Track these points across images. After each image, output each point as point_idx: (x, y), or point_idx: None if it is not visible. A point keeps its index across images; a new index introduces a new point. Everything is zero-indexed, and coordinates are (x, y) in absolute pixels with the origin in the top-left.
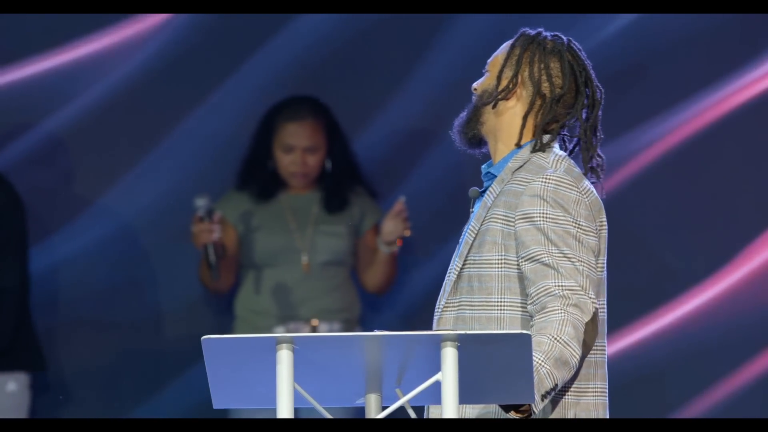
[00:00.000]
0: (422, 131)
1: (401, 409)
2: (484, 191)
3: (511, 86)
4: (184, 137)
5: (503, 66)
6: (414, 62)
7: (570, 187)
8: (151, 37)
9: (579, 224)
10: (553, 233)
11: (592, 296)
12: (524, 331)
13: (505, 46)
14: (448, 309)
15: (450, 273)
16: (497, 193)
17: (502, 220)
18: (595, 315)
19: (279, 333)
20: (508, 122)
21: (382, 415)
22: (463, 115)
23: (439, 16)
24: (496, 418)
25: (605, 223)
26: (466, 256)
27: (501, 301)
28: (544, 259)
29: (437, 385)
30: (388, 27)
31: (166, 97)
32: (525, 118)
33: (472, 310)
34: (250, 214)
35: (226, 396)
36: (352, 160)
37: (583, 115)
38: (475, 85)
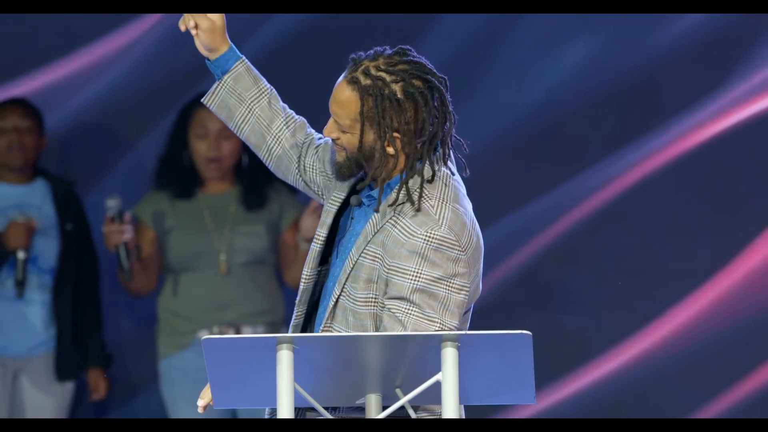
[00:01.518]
0: None
1: (401, 408)
2: (361, 205)
3: (379, 147)
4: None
5: (362, 133)
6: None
7: (451, 246)
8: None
9: (451, 285)
10: (418, 295)
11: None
12: (525, 332)
13: (351, 108)
14: (326, 332)
15: (329, 291)
16: (378, 227)
17: (379, 260)
18: None
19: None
20: (376, 163)
21: (382, 415)
22: (342, 168)
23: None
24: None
25: (481, 267)
26: (344, 284)
27: None
28: (398, 315)
29: (437, 385)
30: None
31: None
32: (396, 155)
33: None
34: (167, 214)
35: (227, 396)
36: None
37: (444, 128)
38: (332, 137)
